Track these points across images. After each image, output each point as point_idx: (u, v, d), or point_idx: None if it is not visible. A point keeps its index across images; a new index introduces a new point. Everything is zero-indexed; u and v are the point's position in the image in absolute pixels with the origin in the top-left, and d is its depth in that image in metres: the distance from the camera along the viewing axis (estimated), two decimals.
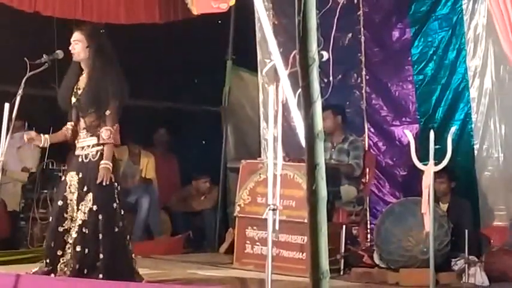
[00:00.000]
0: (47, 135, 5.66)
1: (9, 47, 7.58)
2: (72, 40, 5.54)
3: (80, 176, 5.41)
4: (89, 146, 5.46)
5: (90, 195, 5.34)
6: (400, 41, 7.93)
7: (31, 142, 5.73)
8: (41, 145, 5.72)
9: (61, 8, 7.89)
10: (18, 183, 8.02)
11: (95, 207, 5.31)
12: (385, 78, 8.05)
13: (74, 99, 5.56)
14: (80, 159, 5.48)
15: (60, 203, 5.46)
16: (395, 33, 7.95)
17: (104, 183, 5.30)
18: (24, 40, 7.77)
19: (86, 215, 5.31)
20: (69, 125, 5.62)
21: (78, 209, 5.35)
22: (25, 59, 5.30)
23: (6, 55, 7.25)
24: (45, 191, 7.81)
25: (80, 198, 5.36)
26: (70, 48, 5.53)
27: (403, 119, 7.88)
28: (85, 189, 5.36)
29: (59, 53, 5.59)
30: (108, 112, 5.41)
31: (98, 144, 5.43)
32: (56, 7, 7.86)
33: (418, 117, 7.78)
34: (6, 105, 5.18)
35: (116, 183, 5.46)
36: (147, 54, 9.07)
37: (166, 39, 8.93)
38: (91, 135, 5.46)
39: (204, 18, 7.87)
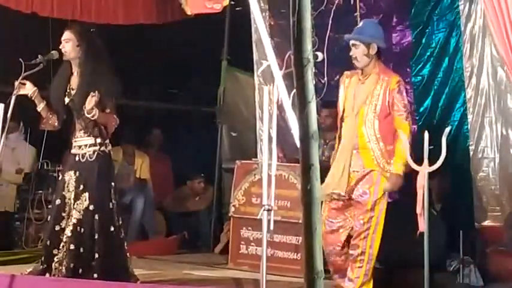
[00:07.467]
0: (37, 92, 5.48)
1: (4, 47, 7.56)
2: (62, 39, 5.53)
3: (77, 174, 5.41)
4: (86, 145, 5.45)
5: (85, 195, 5.34)
6: (401, 43, 7.92)
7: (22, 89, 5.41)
8: (29, 94, 5.42)
9: (59, 8, 7.84)
10: (11, 184, 7.96)
11: (91, 207, 5.31)
12: None
13: (67, 100, 5.54)
14: (76, 158, 5.47)
15: (58, 201, 5.46)
16: (396, 36, 7.91)
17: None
18: (19, 40, 7.74)
19: (81, 214, 5.31)
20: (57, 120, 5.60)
21: (73, 208, 5.35)
22: (20, 59, 5.28)
23: (1, 55, 7.23)
24: (40, 191, 7.81)
25: (76, 197, 5.36)
26: (60, 47, 5.51)
27: None
28: (81, 188, 5.36)
29: (54, 54, 5.56)
30: (108, 110, 5.43)
31: (94, 144, 5.42)
32: (53, 7, 7.82)
33: (417, 118, 7.77)
34: (1, 106, 5.16)
35: (112, 183, 5.46)
36: (142, 54, 9.06)
37: (161, 39, 8.92)
38: (88, 135, 5.45)
39: (199, 19, 7.86)
